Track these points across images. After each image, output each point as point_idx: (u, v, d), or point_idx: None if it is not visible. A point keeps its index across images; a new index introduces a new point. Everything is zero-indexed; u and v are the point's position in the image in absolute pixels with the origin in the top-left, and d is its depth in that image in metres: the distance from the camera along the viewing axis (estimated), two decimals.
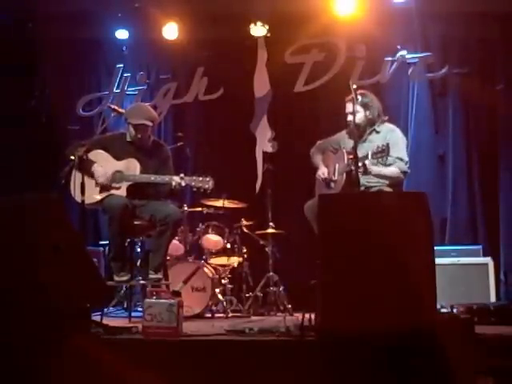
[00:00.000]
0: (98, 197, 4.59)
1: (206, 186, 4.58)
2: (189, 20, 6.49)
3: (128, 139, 4.77)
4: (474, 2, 6.00)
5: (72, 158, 4.39)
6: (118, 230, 4.51)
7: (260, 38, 6.66)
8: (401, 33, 6.32)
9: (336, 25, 6.31)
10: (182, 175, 4.58)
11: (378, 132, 4.66)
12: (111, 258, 4.61)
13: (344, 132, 4.84)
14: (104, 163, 4.65)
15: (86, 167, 4.54)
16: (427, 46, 6.34)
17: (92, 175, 4.58)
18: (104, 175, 4.59)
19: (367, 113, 4.63)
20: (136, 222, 4.62)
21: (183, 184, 4.57)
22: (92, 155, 4.62)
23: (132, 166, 4.64)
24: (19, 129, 6.50)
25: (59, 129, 6.81)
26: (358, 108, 4.56)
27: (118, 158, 4.69)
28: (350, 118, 4.61)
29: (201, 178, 4.58)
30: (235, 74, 6.64)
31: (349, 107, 4.60)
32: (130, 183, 4.60)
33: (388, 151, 4.17)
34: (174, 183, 4.55)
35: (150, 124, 4.71)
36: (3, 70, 6.38)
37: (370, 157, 4.25)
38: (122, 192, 4.58)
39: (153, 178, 4.59)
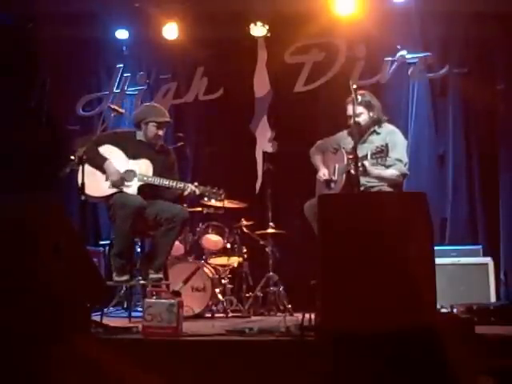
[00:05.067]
0: (110, 191, 4.57)
1: (218, 199, 4.64)
2: (189, 20, 6.49)
3: (139, 138, 4.79)
4: (474, 1, 5.99)
5: (78, 155, 4.28)
6: (129, 228, 4.46)
7: (260, 38, 6.66)
8: (401, 33, 6.31)
9: (336, 25, 6.31)
10: (196, 184, 4.64)
11: (378, 133, 4.65)
12: (114, 254, 4.54)
13: (344, 132, 4.83)
14: (116, 160, 4.64)
15: (97, 162, 4.55)
16: (427, 46, 6.34)
17: (104, 171, 4.58)
18: (116, 173, 4.58)
19: (371, 113, 4.63)
20: (145, 222, 4.59)
21: (197, 193, 4.62)
22: (104, 150, 4.64)
23: (145, 167, 4.65)
24: (19, 129, 6.49)
25: (59, 129, 6.82)
26: (362, 109, 4.56)
27: (129, 156, 4.69)
28: (351, 121, 4.59)
29: (214, 190, 4.65)
30: (235, 74, 6.64)
31: (349, 110, 4.55)
32: (141, 183, 4.61)
33: (387, 152, 4.16)
34: (188, 190, 4.58)
35: (171, 121, 4.93)
36: (3, 70, 6.37)
37: (369, 157, 4.25)
38: (133, 190, 4.58)
39: (166, 182, 4.60)
